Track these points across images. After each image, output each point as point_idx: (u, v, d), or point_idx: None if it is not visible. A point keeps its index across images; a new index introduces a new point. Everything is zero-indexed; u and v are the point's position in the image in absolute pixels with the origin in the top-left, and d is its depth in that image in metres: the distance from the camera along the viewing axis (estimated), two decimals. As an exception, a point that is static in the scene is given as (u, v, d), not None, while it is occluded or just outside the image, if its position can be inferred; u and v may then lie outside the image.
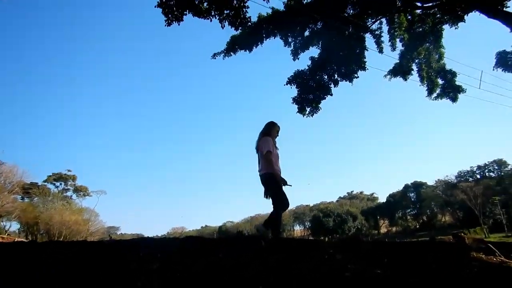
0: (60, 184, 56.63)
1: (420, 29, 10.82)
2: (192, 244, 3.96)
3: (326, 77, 9.98)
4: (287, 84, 9.93)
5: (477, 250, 4.92)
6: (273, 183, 4.81)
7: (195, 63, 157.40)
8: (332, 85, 9.97)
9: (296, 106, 9.98)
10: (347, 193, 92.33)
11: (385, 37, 11.34)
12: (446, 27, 10.61)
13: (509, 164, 64.00)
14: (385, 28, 11.07)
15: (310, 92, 9.82)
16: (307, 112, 10.03)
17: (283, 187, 4.87)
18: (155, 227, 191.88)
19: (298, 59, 10.58)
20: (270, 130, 5.13)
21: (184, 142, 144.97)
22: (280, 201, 4.83)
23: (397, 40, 11.48)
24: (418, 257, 4.10)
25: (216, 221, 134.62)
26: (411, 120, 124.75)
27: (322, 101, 9.94)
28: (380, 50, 11.30)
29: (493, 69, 10.14)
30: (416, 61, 11.81)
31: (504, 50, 9.76)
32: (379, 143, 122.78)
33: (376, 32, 11.12)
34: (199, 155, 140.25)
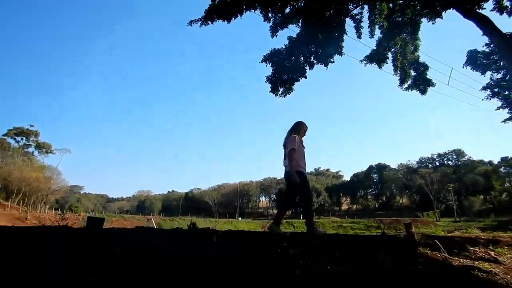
0: (22, 139, 54.05)
1: (399, 19, 10.81)
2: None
3: (302, 58, 9.84)
4: (262, 61, 9.72)
5: (424, 245, 5.18)
6: (300, 180, 5.00)
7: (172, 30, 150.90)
8: (307, 67, 9.86)
9: (270, 85, 9.83)
10: (314, 169, 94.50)
11: (365, 23, 11.31)
12: (424, 20, 10.63)
13: (466, 155, 67.74)
14: (366, 15, 10.96)
15: (285, 72, 9.68)
16: (280, 92, 9.92)
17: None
18: (120, 188, 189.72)
19: (277, 36, 10.31)
20: (298, 129, 5.43)
21: (158, 102, 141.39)
22: (309, 196, 5.26)
23: (376, 27, 11.45)
24: (369, 252, 4.26)
25: (183, 187, 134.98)
26: (382, 104, 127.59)
27: (295, 83, 9.85)
28: (359, 36, 11.25)
29: (463, 67, 10.40)
30: (392, 50, 11.87)
31: (476, 49, 9.99)
32: (350, 123, 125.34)
33: (357, 17, 11.01)
34: (170, 117, 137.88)
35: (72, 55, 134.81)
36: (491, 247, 6.31)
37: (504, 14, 9.72)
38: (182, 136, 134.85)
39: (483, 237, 7.77)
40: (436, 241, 5.37)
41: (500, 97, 9.76)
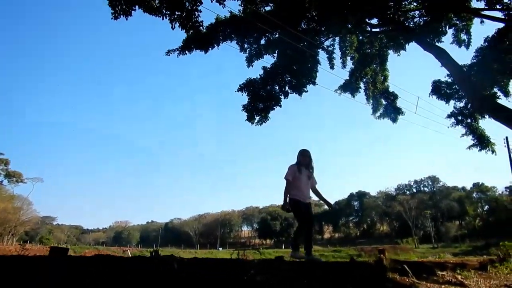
0: (-10, 168, 51.58)
1: (369, 51, 11.39)
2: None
3: (277, 87, 10.13)
4: (238, 91, 9.95)
5: (393, 270, 5.24)
6: (293, 208, 5.35)
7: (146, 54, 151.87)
8: (282, 96, 10.14)
9: (246, 114, 10.01)
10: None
11: (338, 54, 11.84)
12: (391, 52, 11.24)
13: (441, 181, 69.61)
14: (337, 47, 11.51)
15: (260, 101, 9.91)
16: (256, 121, 10.10)
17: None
18: (96, 219, 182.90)
19: (252, 66, 10.66)
20: (298, 159, 5.63)
21: (134, 133, 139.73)
22: (299, 223, 5.55)
23: (348, 58, 12.00)
24: (338, 278, 4.28)
25: (163, 217, 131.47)
26: (360, 132, 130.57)
27: (271, 111, 10.08)
28: (332, 66, 11.72)
29: (429, 96, 10.94)
30: (364, 80, 12.39)
31: (439, 79, 10.57)
32: (329, 152, 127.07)
33: (329, 49, 11.52)
34: (148, 148, 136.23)
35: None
36: (458, 271, 6.45)
37: (462, 46, 10.47)
38: (163, 163, 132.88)
39: (451, 261, 7.94)
40: (405, 266, 5.45)
41: (464, 124, 10.25)
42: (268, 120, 10.10)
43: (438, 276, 5.82)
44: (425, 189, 71.77)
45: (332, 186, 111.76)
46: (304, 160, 5.70)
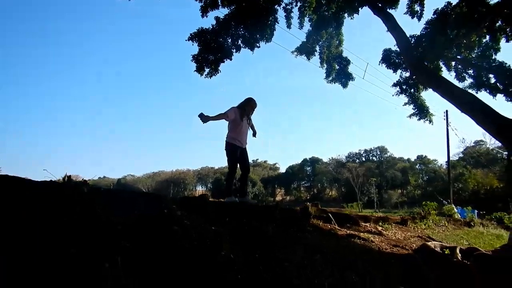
0: None
1: (326, 13, 11.34)
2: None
3: (229, 40, 9.88)
4: (188, 40, 9.59)
5: (318, 218, 5.59)
6: (227, 152, 5.60)
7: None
8: (234, 50, 9.94)
9: (195, 64, 9.74)
10: (252, 160, 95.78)
11: (296, 14, 11.68)
12: (346, 16, 11.30)
13: (388, 152, 73.94)
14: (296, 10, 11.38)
15: (211, 52, 9.65)
16: (205, 73, 9.87)
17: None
18: (46, 174, 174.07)
19: (207, 17, 10.23)
20: (244, 104, 5.77)
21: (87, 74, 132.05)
22: (229, 167, 5.70)
23: (306, 19, 11.90)
24: (263, 219, 4.48)
25: (115, 173, 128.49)
26: (317, 99, 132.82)
27: (221, 64, 9.88)
28: (289, 26, 11.61)
29: (379, 64, 11.26)
30: (320, 43, 12.43)
31: (390, 48, 10.87)
32: (288, 116, 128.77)
33: (288, 7, 11.34)
34: (105, 93, 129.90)
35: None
36: (380, 223, 7.03)
37: (415, 18, 10.73)
38: (117, 116, 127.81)
39: (376, 216, 8.66)
40: (330, 215, 5.83)
41: (407, 94, 10.74)
42: (218, 73, 9.90)
43: (360, 226, 6.31)
44: (374, 158, 76.18)
45: (289, 150, 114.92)
46: (250, 109, 5.86)
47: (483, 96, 11.15)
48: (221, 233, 3.23)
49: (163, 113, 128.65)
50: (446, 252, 5.18)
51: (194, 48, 9.73)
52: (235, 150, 5.58)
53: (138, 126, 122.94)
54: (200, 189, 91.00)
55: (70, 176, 3.17)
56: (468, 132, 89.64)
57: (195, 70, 9.73)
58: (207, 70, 9.81)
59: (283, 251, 3.13)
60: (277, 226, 4.22)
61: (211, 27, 9.64)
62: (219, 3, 10.14)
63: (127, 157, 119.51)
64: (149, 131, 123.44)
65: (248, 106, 5.81)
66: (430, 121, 11.10)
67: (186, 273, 2.23)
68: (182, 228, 3.18)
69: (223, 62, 9.84)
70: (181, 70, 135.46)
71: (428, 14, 10.52)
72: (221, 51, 9.67)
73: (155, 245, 2.51)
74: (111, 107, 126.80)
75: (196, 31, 9.58)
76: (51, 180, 3.18)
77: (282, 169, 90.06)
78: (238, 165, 5.76)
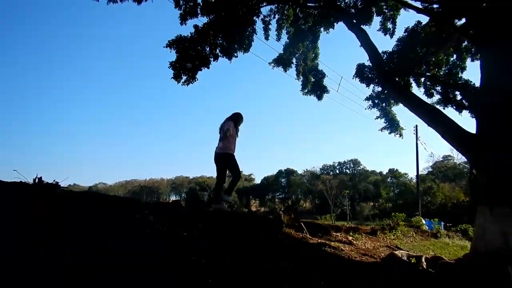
0: None
1: (303, 26, 11.60)
2: None
3: (208, 49, 9.91)
4: (166, 47, 9.53)
5: (290, 227, 5.63)
6: (231, 161, 6.14)
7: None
8: (212, 59, 9.96)
9: (173, 71, 9.68)
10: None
11: (274, 26, 11.90)
12: (322, 30, 11.61)
13: (361, 165, 75.56)
14: (274, 22, 11.60)
15: (188, 60, 9.62)
16: (182, 80, 9.82)
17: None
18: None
19: (186, 24, 10.24)
20: (235, 119, 6.47)
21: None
22: (238, 174, 6.33)
23: (284, 31, 12.13)
24: (233, 225, 4.47)
25: (86, 181, 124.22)
26: (293, 110, 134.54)
27: (199, 72, 9.87)
28: (266, 37, 11.80)
29: (353, 78, 11.57)
30: (296, 55, 12.67)
31: (363, 63, 11.20)
32: (265, 127, 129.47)
33: (266, 19, 11.52)
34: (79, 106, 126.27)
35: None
36: (351, 233, 7.15)
37: (388, 35, 11.16)
38: (92, 123, 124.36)
39: (347, 226, 8.80)
40: (302, 224, 5.88)
41: (379, 108, 11.07)
42: (195, 81, 9.86)
43: (331, 236, 6.40)
44: (347, 171, 77.56)
45: (265, 161, 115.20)
46: (240, 123, 6.58)
47: (450, 112, 11.68)
48: (194, 237, 3.21)
49: (137, 121, 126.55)
50: (412, 261, 5.33)
51: (172, 55, 9.70)
52: (234, 159, 6.22)
53: (111, 134, 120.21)
54: (173, 198, 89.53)
55: (41, 177, 3.07)
56: (437, 147, 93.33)
57: (172, 77, 9.67)
58: (184, 77, 9.77)
59: (255, 258, 3.13)
60: (250, 233, 4.22)
61: (190, 35, 9.64)
62: (199, 12, 10.19)
63: (99, 165, 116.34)
64: (123, 139, 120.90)
65: (240, 120, 6.55)
66: (401, 135, 11.45)
67: (157, 277, 2.19)
68: (155, 232, 3.14)
69: (201, 70, 9.84)
70: (157, 77, 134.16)
71: (399, 32, 10.98)
72: (199, 59, 9.66)
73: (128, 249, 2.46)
74: (85, 113, 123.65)
75: (174, 38, 9.55)
76: (21, 181, 3.07)
77: (257, 180, 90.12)
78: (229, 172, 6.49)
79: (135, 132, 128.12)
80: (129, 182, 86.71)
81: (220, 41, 9.98)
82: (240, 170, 6.44)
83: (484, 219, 5.16)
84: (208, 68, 9.88)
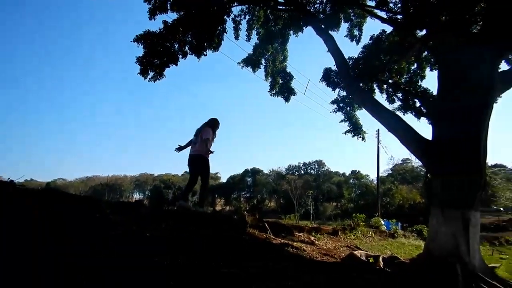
0: None
1: (273, 28, 11.72)
2: None
3: (176, 45, 9.74)
4: (134, 41, 9.25)
5: (254, 227, 5.68)
6: (202, 164, 6.25)
7: None
8: (180, 56, 9.79)
9: (140, 67, 9.42)
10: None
11: (244, 26, 11.91)
12: (291, 33, 11.79)
13: (326, 166, 77.48)
14: (244, 22, 11.60)
15: (156, 56, 9.41)
16: (149, 76, 9.58)
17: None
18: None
19: (155, 19, 10.00)
20: (213, 125, 6.72)
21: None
22: (207, 180, 6.46)
23: (254, 32, 12.18)
24: (199, 223, 4.45)
25: (44, 176, 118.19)
26: (260, 111, 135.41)
27: (166, 69, 9.67)
28: (236, 37, 11.79)
29: (319, 82, 11.84)
30: (266, 57, 12.77)
31: (330, 67, 11.48)
32: (232, 127, 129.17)
33: (237, 18, 11.52)
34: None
35: None
36: (313, 234, 7.33)
37: (354, 41, 11.54)
38: (50, 115, 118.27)
39: (310, 226, 9.02)
40: (266, 224, 5.96)
41: (343, 111, 11.40)
42: (163, 77, 9.64)
43: (294, 236, 6.52)
44: (312, 171, 79.22)
45: (230, 161, 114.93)
46: (217, 128, 6.80)
47: (409, 118, 12.23)
48: (157, 237, 3.16)
49: (100, 116, 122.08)
50: (370, 261, 5.56)
51: (140, 50, 9.44)
52: (209, 164, 6.38)
53: (71, 128, 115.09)
54: (137, 196, 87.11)
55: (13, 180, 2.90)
56: (397, 151, 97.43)
57: (138, 73, 9.39)
58: (151, 73, 9.52)
59: (218, 257, 3.14)
60: (214, 233, 4.21)
61: (159, 30, 9.42)
62: (168, 7, 9.98)
63: (57, 160, 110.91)
64: (84, 134, 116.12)
65: (217, 126, 6.82)
66: (363, 139, 11.85)
67: (118, 279, 2.14)
68: (117, 233, 3.06)
69: (169, 67, 9.64)
70: (121, 72, 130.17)
71: (365, 39, 11.37)
72: (167, 55, 9.47)
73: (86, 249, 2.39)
74: (46, 105, 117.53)
75: (142, 33, 9.29)
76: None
77: (223, 179, 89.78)
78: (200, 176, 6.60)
79: (97, 126, 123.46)
80: (91, 178, 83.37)
81: (190, 38, 9.85)
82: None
83: (437, 221, 5.49)
84: (176, 65, 9.71)
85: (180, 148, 6.65)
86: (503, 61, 7.71)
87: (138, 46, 9.44)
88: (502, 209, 41.71)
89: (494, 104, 6.48)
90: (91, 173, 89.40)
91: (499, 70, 6.36)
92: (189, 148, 6.59)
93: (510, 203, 41.54)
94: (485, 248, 17.67)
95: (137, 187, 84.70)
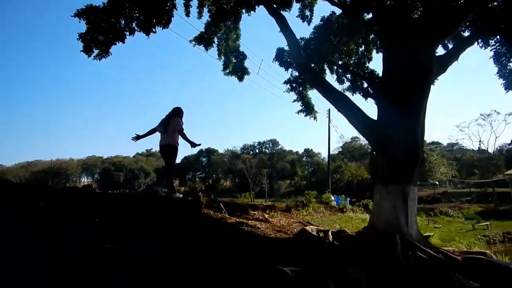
0: None
1: (225, 6, 11.48)
2: None
3: (123, 22, 9.21)
4: (75, 16, 8.58)
5: (209, 207, 5.74)
6: (175, 153, 6.66)
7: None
8: (127, 33, 9.29)
9: (82, 44, 8.80)
10: (146, 150, 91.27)
11: (195, 3, 11.53)
12: (244, 12, 11.65)
13: (280, 144, 79.13)
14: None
15: (100, 33, 8.84)
16: (94, 54, 8.99)
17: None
18: None
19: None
20: (180, 113, 7.06)
21: None
22: (170, 166, 6.70)
23: (205, 9, 11.84)
24: (157, 207, 4.41)
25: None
26: (215, 91, 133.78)
27: (112, 46, 9.15)
28: (187, 14, 11.38)
29: (273, 61, 11.92)
30: (218, 35, 12.54)
31: (283, 48, 11.57)
32: (186, 106, 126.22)
33: (187, -5, 11.12)
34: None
35: None
36: (267, 211, 7.56)
37: (305, 22, 11.67)
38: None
39: (264, 204, 9.29)
40: (221, 204, 6.03)
41: (296, 91, 11.63)
42: (108, 55, 9.10)
43: (249, 214, 6.68)
44: (266, 150, 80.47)
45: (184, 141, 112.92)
46: (182, 116, 7.08)
47: (357, 98, 12.77)
48: (105, 227, 3.10)
49: (41, 95, 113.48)
50: (321, 235, 5.88)
51: (82, 26, 8.77)
52: (177, 151, 6.73)
53: (10, 108, 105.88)
54: (85, 180, 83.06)
55: None
56: (347, 129, 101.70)
57: (82, 50, 8.77)
58: (96, 51, 8.92)
59: (174, 238, 3.16)
60: (169, 215, 4.21)
61: (102, 5, 8.82)
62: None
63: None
64: (24, 115, 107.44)
65: (182, 114, 7.11)
66: (315, 118, 12.22)
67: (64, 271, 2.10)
68: (66, 222, 2.96)
69: (115, 44, 9.10)
70: (65, 48, 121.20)
71: (316, 20, 11.52)
72: (112, 32, 8.93)
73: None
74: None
75: (84, 7, 8.63)
76: None
77: (178, 160, 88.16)
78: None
79: (38, 107, 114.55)
80: (32, 163, 77.95)
81: (137, 15, 9.36)
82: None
83: (380, 196, 5.90)
84: (124, 42, 9.20)
85: (138, 137, 6.74)
86: (439, 46, 8.27)
87: (80, 22, 8.82)
88: (437, 182, 45.58)
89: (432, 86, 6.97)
90: (32, 158, 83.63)
91: (436, 55, 6.81)
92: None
93: (444, 177, 45.58)
94: (422, 219, 19.36)
95: (85, 171, 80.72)
